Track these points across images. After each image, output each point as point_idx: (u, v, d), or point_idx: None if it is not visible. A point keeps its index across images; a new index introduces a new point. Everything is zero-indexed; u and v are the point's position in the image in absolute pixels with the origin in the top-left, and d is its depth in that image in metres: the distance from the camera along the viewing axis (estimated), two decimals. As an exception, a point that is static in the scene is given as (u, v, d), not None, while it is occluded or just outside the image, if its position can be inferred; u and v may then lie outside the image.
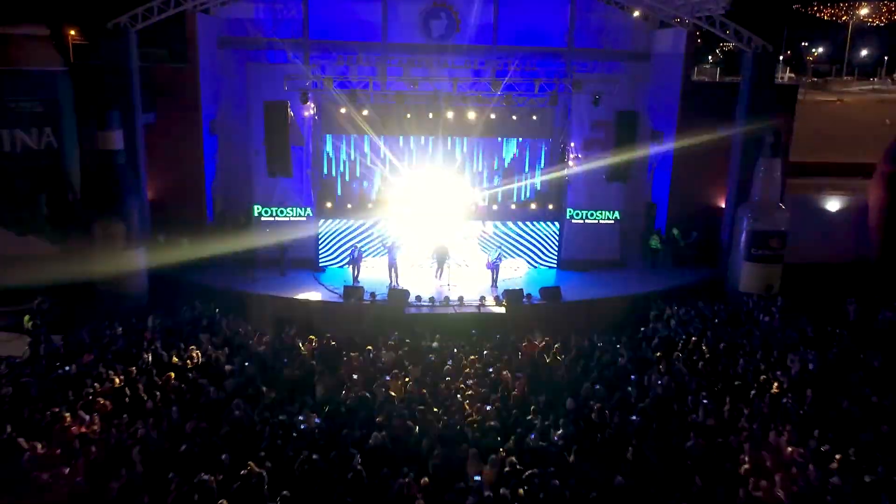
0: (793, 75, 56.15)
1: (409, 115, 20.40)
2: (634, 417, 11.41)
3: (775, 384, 12.81)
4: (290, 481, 9.30)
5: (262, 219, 20.48)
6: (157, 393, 11.79)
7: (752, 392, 12.55)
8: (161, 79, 19.56)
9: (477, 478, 9.32)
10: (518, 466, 9.72)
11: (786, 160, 21.37)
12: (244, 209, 21.18)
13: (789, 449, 10.31)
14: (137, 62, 18.08)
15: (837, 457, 10.03)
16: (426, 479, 9.42)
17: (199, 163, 20.35)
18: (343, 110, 19.57)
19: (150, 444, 10.01)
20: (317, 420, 10.95)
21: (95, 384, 11.86)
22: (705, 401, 11.87)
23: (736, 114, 20.16)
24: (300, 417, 10.92)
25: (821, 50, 66.82)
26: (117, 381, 12.00)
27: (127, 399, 11.54)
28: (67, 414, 10.59)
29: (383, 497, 9.02)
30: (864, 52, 64.08)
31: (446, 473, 9.67)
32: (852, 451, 10.19)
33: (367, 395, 12.24)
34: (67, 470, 9.21)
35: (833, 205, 22.88)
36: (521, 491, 9.12)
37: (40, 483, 8.79)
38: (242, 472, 9.12)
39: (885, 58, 59.10)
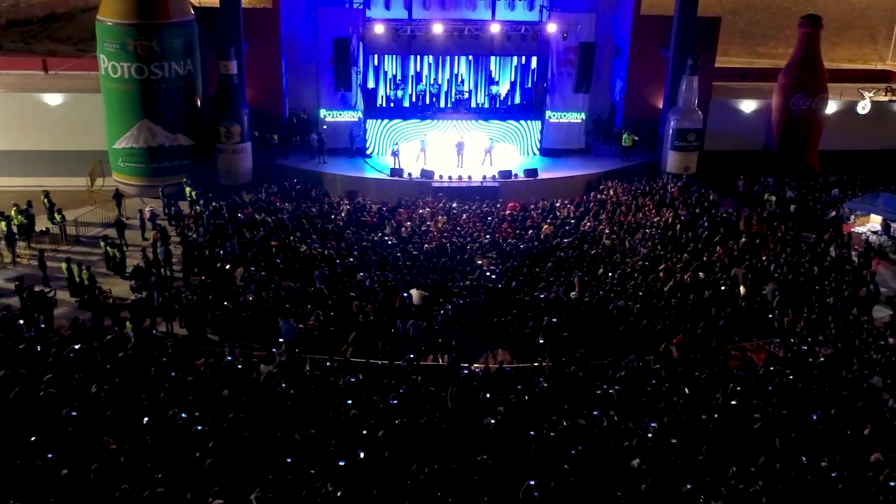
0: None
1: (429, 38, 29.76)
2: (567, 239, 22.13)
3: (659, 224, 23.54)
4: (379, 266, 20.09)
5: (327, 119, 30.42)
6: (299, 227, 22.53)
7: (641, 230, 23.22)
8: (253, 18, 29.02)
9: (479, 262, 20.16)
10: (497, 259, 20.56)
11: (712, 72, 30.98)
12: (304, 111, 31.12)
13: (643, 250, 21.17)
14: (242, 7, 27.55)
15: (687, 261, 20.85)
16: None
17: (278, 78, 30.22)
18: (382, 35, 29.03)
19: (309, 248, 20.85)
20: (394, 240, 21.75)
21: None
22: (607, 231, 22.58)
23: (670, 40, 29.60)
24: (383, 235, 21.74)
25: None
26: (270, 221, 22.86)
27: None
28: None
29: (434, 270, 19.80)
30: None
31: (463, 264, 20.48)
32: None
33: (415, 230, 22.99)
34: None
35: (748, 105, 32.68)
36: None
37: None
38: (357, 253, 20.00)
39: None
